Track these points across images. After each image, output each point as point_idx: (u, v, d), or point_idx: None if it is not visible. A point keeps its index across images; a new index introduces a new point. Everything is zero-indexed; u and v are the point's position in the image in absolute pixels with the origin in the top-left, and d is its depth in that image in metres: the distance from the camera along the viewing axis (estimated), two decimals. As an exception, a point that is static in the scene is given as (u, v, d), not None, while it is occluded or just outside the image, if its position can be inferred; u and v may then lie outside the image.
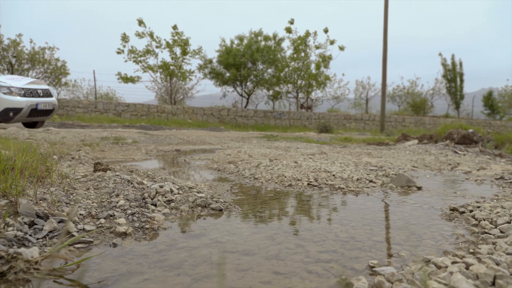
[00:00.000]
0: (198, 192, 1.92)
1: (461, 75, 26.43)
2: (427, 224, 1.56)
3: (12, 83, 8.39)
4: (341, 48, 20.69)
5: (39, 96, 8.73)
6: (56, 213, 1.37)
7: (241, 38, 20.23)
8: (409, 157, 4.25)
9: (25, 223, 1.24)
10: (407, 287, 0.87)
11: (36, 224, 1.26)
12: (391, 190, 2.34)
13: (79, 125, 11.16)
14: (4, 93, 7.99)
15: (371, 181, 2.58)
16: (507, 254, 1.11)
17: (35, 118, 8.74)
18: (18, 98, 8.14)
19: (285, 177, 2.60)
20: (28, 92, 8.47)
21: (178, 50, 18.73)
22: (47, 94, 9.13)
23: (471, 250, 1.18)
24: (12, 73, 16.99)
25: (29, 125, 9.82)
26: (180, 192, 1.90)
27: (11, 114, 8.02)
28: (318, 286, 0.95)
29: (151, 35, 18.29)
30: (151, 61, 18.80)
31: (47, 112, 9.04)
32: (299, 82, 21.30)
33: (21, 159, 1.77)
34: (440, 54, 26.57)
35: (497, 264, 0.99)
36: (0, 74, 9.60)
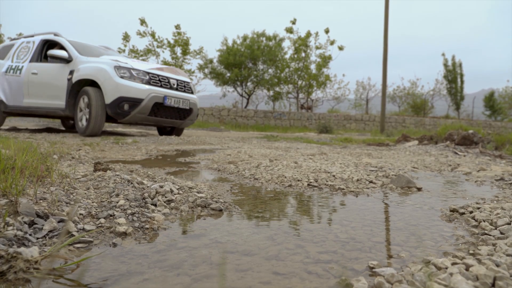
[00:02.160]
0: (198, 192, 1.92)
1: (462, 76, 26.45)
2: (427, 225, 1.56)
3: (134, 64, 5.88)
4: (340, 48, 20.72)
5: (170, 88, 6.05)
6: (56, 212, 1.37)
7: (245, 37, 20.28)
8: (409, 158, 4.25)
9: (25, 222, 1.23)
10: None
11: (36, 224, 1.26)
12: (391, 191, 2.34)
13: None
14: (122, 77, 5.55)
15: (371, 181, 2.57)
16: (507, 255, 1.11)
17: (162, 119, 6.01)
18: (140, 85, 5.60)
19: (285, 177, 2.60)
20: (155, 80, 5.84)
21: (179, 50, 18.76)
22: (185, 88, 6.36)
23: (471, 251, 1.18)
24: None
25: (164, 131, 7.14)
26: (180, 192, 1.90)
27: (126, 107, 5.58)
28: (318, 287, 0.95)
29: (152, 34, 18.33)
30: (152, 60, 18.81)
31: (182, 114, 6.25)
32: (299, 82, 21.31)
33: (22, 159, 1.77)
34: (443, 54, 26.61)
35: (497, 266, 0.99)
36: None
